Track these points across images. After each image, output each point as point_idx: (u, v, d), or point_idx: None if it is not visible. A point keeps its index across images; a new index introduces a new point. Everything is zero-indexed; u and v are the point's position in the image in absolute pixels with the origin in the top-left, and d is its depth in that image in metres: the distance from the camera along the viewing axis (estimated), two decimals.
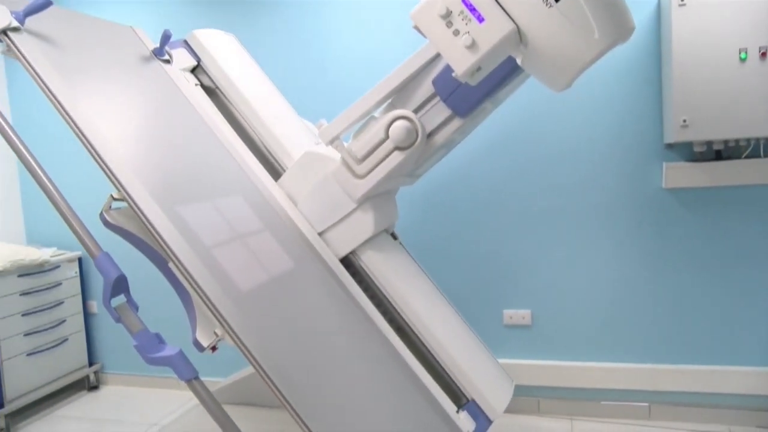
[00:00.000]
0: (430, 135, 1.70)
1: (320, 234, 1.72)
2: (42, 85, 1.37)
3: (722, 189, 2.35)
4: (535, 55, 1.32)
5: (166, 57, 1.84)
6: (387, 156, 1.65)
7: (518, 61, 1.42)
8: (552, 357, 2.60)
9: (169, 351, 1.22)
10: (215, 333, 1.29)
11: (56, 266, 3.01)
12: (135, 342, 1.23)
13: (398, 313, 1.72)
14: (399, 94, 1.72)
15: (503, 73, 1.61)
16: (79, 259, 3.17)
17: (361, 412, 1.32)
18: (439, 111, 1.69)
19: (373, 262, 1.74)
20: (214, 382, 2.91)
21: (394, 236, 2.01)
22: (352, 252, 1.74)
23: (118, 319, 1.26)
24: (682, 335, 2.46)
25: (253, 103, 1.87)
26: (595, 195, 2.49)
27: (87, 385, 3.21)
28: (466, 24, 1.29)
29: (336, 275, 1.66)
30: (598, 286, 2.52)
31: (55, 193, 1.36)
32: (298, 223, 1.70)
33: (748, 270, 2.36)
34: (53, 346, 2.96)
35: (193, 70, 1.92)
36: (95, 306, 3.24)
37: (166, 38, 1.80)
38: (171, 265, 1.34)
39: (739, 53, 2.08)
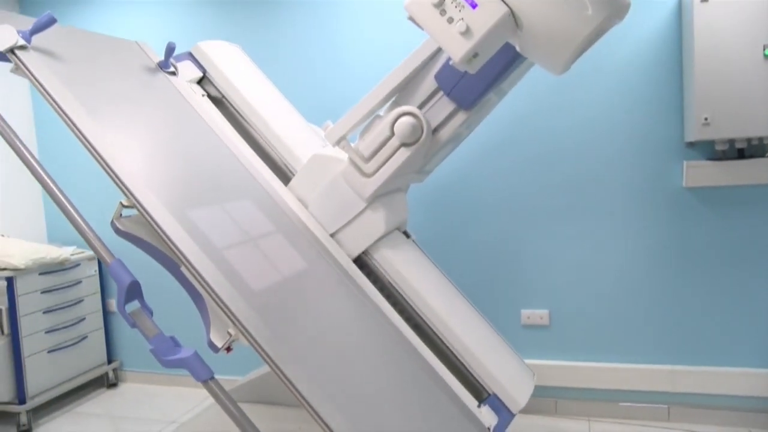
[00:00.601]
0: (435, 130, 1.70)
1: (332, 235, 1.73)
2: (50, 99, 1.39)
3: (744, 188, 2.31)
4: (531, 38, 1.32)
5: (172, 69, 1.86)
6: (394, 153, 1.65)
7: (517, 47, 1.41)
8: (570, 357, 2.58)
9: (184, 353, 1.24)
10: (228, 333, 1.29)
11: (76, 264, 3.05)
12: (151, 346, 1.24)
13: (414, 311, 1.72)
14: (402, 92, 1.72)
15: (504, 63, 1.60)
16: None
17: (380, 410, 1.31)
18: (444, 105, 1.69)
19: (386, 260, 1.74)
20: (231, 380, 2.93)
21: (406, 234, 2.02)
22: (365, 252, 1.74)
23: (133, 325, 1.28)
24: (703, 336, 2.42)
25: (260, 110, 1.88)
26: (614, 194, 2.47)
27: (106, 382, 3.25)
28: (460, 11, 1.29)
29: (350, 275, 1.66)
30: (617, 286, 2.50)
31: (65, 202, 1.36)
32: (310, 225, 1.70)
33: None
34: (73, 344, 3.00)
35: (200, 82, 1.95)
36: (114, 304, 3.28)
37: (170, 50, 1.83)
38: (183, 269, 1.35)
39: (763, 50, 2.05)
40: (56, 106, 1.39)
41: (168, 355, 1.22)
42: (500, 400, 1.64)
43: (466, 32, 1.28)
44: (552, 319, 2.58)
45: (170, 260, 1.39)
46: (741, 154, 2.27)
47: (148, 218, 1.32)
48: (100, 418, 2.85)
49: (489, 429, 1.55)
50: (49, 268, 2.88)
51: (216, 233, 1.41)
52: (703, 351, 2.43)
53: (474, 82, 1.63)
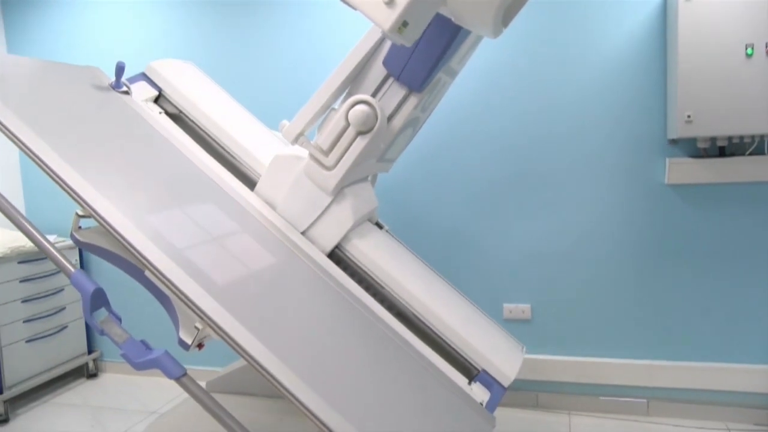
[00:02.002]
0: (391, 115, 1.73)
1: (303, 233, 1.74)
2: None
3: (726, 186, 2.34)
4: (456, 3, 1.33)
5: (125, 89, 1.87)
6: (352, 143, 1.66)
7: (451, 17, 1.42)
8: (551, 352, 2.60)
9: (155, 354, 1.24)
10: (196, 327, 1.29)
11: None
12: (121, 351, 1.25)
13: (394, 298, 1.73)
14: (354, 83, 1.74)
15: (445, 39, 1.62)
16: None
17: (368, 396, 1.31)
18: (395, 90, 1.71)
19: (359, 251, 1.75)
20: (211, 371, 2.91)
21: (379, 225, 2.03)
22: (339, 246, 1.75)
23: (102, 332, 1.28)
24: (682, 332, 2.45)
25: (219, 121, 1.89)
26: (597, 189, 2.48)
27: (86, 372, 3.22)
28: None
29: (326, 271, 1.66)
30: (598, 281, 2.52)
31: (20, 218, 1.35)
32: (280, 225, 1.71)
33: (749, 267, 2.35)
34: (53, 333, 2.96)
35: (157, 100, 1.96)
36: None
37: (120, 70, 1.85)
38: (146, 272, 1.34)
39: (746, 49, 2.07)
40: (4, 129, 1.36)
41: (139, 358, 1.23)
42: (490, 375, 1.65)
43: (391, 2, 1.28)
44: (534, 313, 2.60)
45: (133, 266, 1.38)
46: (722, 152, 2.29)
47: (105, 225, 1.30)
48: (79, 409, 2.82)
49: (482, 404, 1.56)
50: (28, 257, 2.84)
51: (178, 236, 1.40)
52: (682, 346, 2.46)
53: (421, 62, 1.65)
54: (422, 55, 1.63)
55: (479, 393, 1.60)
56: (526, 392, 2.63)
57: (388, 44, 1.70)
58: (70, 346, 3.09)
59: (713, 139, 2.24)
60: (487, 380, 1.65)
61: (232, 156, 1.88)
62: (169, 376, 1.23)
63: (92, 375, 3.22)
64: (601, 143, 2.46)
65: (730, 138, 2.22)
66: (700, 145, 2.26)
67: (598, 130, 2.46)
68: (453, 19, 1.43)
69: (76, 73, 1.83)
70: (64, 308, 3.04)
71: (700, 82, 2.13)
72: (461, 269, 2.65)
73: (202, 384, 2.07)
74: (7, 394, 2.69)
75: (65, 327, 3.04)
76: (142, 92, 1.92)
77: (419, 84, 1.69)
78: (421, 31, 1.40)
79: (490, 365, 1.67)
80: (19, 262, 2.79)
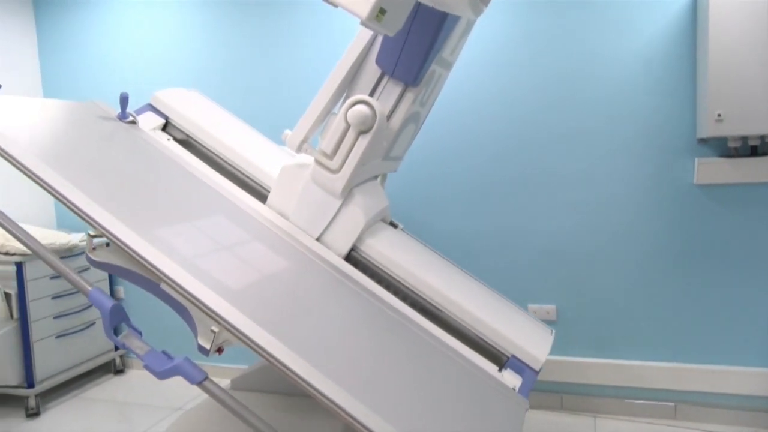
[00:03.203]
0: (390, 112, 1.75)
1: (318, 239, 1.75)
2: (8, 157, 1.40)
3: (757, 186, 2.28)
4: None
5: (131, 119, 1.91)
6: (354, 143, 1.68)
7: (431, 3, 1.44)
8: (576, 353, 2.57)
9: (176, 361, 1.27)
10: (211, 330, 1.31)
11: (85, 251, 3.06)
12: (144, 363, 1.28)
13: (416, 294, 1.72)
14: (351, 86, 1.78)
15: (431, 28, 1.63)
16: (107, 245, 3.22)
17: (398, 391, 1.30)
18: (392, 87, 1.75)
19: (375, 250, 1.75)
20: (236, 369, 2.94)
21: (393, 225, 2.04)
22: (354, 248, 1.76)
23: (123, 346, 1.32)
24: (711, 334, 2.40)
25: (227, 141, 1.92)
26: (623, 190, 2.45)
27: (113, 368, 3.28)
28: None
29: (346, 274, 1.66)
30: (625, 282, 2.48)
31: (36, 244, 1.40)
32: (294, 234, 1.72)
33: None
34: (81, 330, 3.02)
35: (165, 128, 2.00)
36: (122, 291, 3.30)
37: (124, 100, 1.89)
38: (162, 285, 1.36)
39: None
40: (12, 160, 1.40)
41: (160, 368, 1.26)
42: (520, 361, 1.64)
43: None
44: (559, 314, 2.57)
45: (149, 281, 1.40)
46: (754, 152, 2.24)
47: (117, 242, 1.33)
48: (106, 404, 2.87)
49: (514, 389, 1.55)
50: (58, 254, 2.89)
51: (190, 247, 1.42)
52: (711, 349, 2.41)
53: (412, 56, 1.68)
54: (412, 49, 1.66)
55: (510, 379, 1.59)
56: (551, 394, 2.60)
57: (378, 43, 1.73)
58: (98, 343, 3.15)
59: (745, 138, 2.19)
60: (518, 366, 1.64)
61: (242, 173, 1.90)
62: (191, 382, 1.25)
63: (119, 371, 3.28)
64: (628, 142, 2.42)
65: (762, 137, 2.16)
66: (731, 144, 2.21)
67: (626, 129, 2.42)
68: (432, 4, 1.45)
69: (79, 108, 1.88)
70: (91, 305, 3.09)
71: (730, 79, 2.08)
72: (485, 269, 2.64)
73: (227, 381, 2.09)
74: (38, 389, 2.75)
75: (93, 323, 3.10)
76: (150, 122, 1.96)
77: (414, 78, 1.72)
78: (403, 19, 1.41)
79: (519, 350, 1.65)
80: None
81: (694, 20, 2.30)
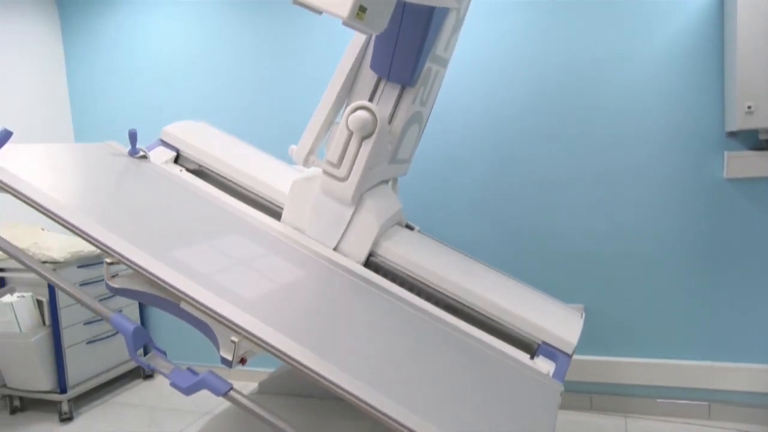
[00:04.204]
0: (392, 114, 1.79)
1: (336, 249, 1.75)
2: (23, 198, 1.43)
3: None
4: None
5: (141, 154, 1.96)
6: (358, 149, 1.69)
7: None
8: (605, 352, 2.53)
9: (201, 376, 1.29)
10: (232, 341, 1.32)
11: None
12: (170, 381, 1.31)
13: (438, 291, 1.72)
14: (350, 94, 1.82)
15: (420, 25, 1.64)
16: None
17: (430, 387, 1.29)
18: (389, 90, 1.78)
19: (393, 253, 1.76)
20: (263, 372, 2.96)
21: (410, 228, 2.04)
22: (373, 253, 1.76)
23: (149, 367, 1.35)
24: (744, 332, 2.35)
25: (239, 166, 1.95)
26: (651, 186, 2.40)
27: (143, 373, 3.32)
28: None
29: (368, 280, 1.66)
30: (654, 280, 2.44)
31: (51, 275, 1.44)
32: (311, 246, 1.73)
33: None
34: (111, 335, 3.07)
35: (176, 160, 2.03)
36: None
37: (132, 137, 1.93)
38: (182, 304, 1.39)
39: None
40: (29, 201, 1.43)
41: (186, 383, 1.28)
42: (551, 346, 1.62)
43: None
44: (588, 313, 2.54)
45: (169, 302, 1.43)
46: None
47: (133, 266, 1.35)
48: (137, 409, 2.91)
49: (548, 374, 1.53)
50: (86, 261, 2.95)
51: (207, 266, 1.43)
52: (745, 347, 2.35)
53: (405, 56, 1.70)
54: (404, 49, 1.68)
55: (544, 366, 1.57)
56: (580, 394, 2.57)
57: (371, 49, 1.76)
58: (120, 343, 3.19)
59: None
60: (550, 351, 1.62)
61: (256, 194, 1.92)
62: (216, 394, 1.27)
63: (148, 376, 3.32)
64: (656, 138, 2.38)
65: None
66: (762, 137, 2.16)
67: (653, 124, 2.38)
68: (416, 0, 1.47)
69: (93, 150, 1.94)
70: (120, 310, 3.13)
71: (761, 71, 2.03)
72: (512, 269, 2.61)
73: (255, 385, 2.10)
74: (71, 394, 2.80)
75: None
76: (161, 156, 2.00)
77: (409, 78, 1.74)
78: (387, 16, 1.41)
79: (549, 335, 1.63)
80: (79, 267, 2.90)
81: (721, 12, 2.25)
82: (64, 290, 1.45)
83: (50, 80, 3.30)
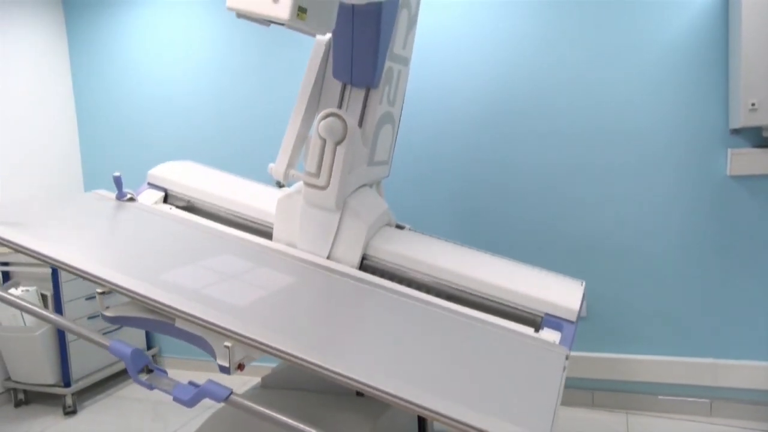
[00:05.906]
0: (362, 117, 1.84)
1: (329, 257, 1.77)
2: (14, 246, 1.49)
3: None
4: None
5: (129, 196, 1.99)
6: (334, 155, 1.71)
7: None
8: (608, 349, 2.53)
9: (201, 387, 1.32)
10: (225, 346, 1.35)
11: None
12: (173, 396, 1.34)
13: (436, 281, 1.73)
14: (319, 106, 1.89)
15: (372, 27, 1.69)
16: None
17: (444, 369, 1.30)
18: (356, 95, 1.84)
19: (385, 251, 1.77)
20: (266, 367, 2.97)
21: (400, 227, 2.04)
22: (366, 256, 1.78)
23: (151, 387, 1.41)
24: (747, 329, 2.35)
25: (227, 195, 1.98)
26: (655, 182, 2.40)
27: (146, 367, 3.33)
28: None
29: (366, 281, 1.68)
30: (657, 276, 2.44)
31: (44, 311, 1.52)
32: (305, 257, 1.76)
33: None
34: (114, 330, 3.08)
35: (165, 201, 2.07)
36: None
37: (117, 181, 1.97)
38: (177, 322, 1.42)
39: None
40: (19, 248, 1.49)
41: (187, 396, 1.33)
42: (554, 316, 1.62)
43: None
44: (590, 308, 2.54)
45: (164, 324, 1.46)
46: None
47: (124, 292, 1.41)
48: (140, 402, 2.92)
49: (555, 342, 1.53)
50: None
51: (198, 283, 1.47)
52: (747, 344, 2.35)
53: (363, 59, 1.75)
54: (361, 51, 1.74)
55: (550, 336, 1.57)
56: (582, 390, 2.57)
57: (330, 59, 1.82)
58: (131, 342, 3.17)
59: None
60: (554, 322, 1.61)
61: (246, 219, 1.94)
62: (217, 401, 1.30)
63: (151, 370, 3.33)
64: (659, 134, 2.38)
65: None
66: (766, 134, 2.16)
67: (657, 121, 2.38)
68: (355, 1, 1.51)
69: (79, 199, 1.99)
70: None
71: (765, 68, 2.03)
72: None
73: (258, 380, 2.11)
74: (75, 387, 2.81)
75: None
76: (150, 197, 2.04)
77: (372, 79, 1.79)
78: (331, 15, 1.43)
79: (551, 306, 1.63)
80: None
81: (725, 10, 2.25)
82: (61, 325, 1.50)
83: (55, 80, 3.31)
